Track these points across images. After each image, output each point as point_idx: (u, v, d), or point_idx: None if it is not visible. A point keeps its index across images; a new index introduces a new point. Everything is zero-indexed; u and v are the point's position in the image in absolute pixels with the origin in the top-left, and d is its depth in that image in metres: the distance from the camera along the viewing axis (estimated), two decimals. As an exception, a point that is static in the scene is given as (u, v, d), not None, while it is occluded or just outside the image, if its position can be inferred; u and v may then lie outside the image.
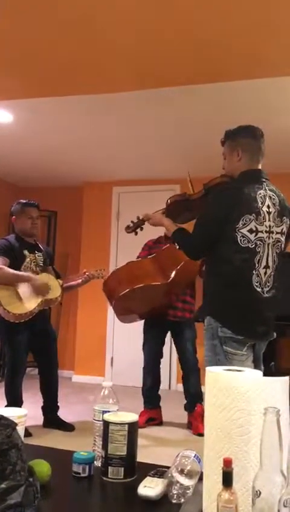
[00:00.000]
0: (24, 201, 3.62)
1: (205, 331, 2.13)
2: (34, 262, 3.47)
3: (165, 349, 4.01)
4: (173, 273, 3.29)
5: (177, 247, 2.34)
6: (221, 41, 2.74)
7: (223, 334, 2.04)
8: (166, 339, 3.90)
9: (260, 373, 0.98)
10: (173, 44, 2.79)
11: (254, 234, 2.03)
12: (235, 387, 0.92)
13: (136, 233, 2.70)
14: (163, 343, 3.86)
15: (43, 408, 3.56)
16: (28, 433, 2.93)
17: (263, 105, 3.62)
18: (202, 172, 4.94)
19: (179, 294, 3.64)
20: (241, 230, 2.02)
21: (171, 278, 3.28)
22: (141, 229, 2.68)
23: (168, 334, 3.88)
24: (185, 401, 3.74)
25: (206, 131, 4.21)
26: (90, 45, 2.84)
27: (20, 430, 1.14)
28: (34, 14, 2.57)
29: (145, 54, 2.91)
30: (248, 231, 2.03)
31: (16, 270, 3.33)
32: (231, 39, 2.72)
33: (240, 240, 2.02)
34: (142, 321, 3.86)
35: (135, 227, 2.67)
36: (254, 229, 2.03)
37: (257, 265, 2.04)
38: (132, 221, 2.69)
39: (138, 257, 3.79)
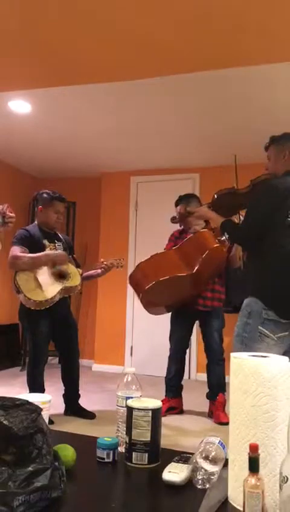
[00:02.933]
0: (52, 193, 3.55)
1: (242, 309, 2.21)
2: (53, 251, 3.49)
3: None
4: (198, 262, 3.26)
5: (227, 236, 2.44)
6: (244, 24, 2.69)
7: (267, 316, 2.11)
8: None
9: (286, 359, 0.97)
10: (194, 28, 2.75)
11: None
12: (261, 373, 0.91)
13: (180, 225, 3.03)
14: (191, 332, 3.86)
15: (64, 396, 3.60)
16: (50, 421, 2.96)
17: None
18: (222, 161, 4.90)
19: (208, 283, 3.62)
20: None
21: (196, 268, 3.25)
22: (186, 222, 2.98)
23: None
24: (206, 390, 3.74)
25: (226, 119, 4.16)
26: (109, 32, 2.82)
27: (45, 415, 1.15)
28: (51, 2, 2.56)
29: (164, 40, 2.88)
30: None
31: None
32: (254, 22, 2.67)
33: None
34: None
35: (180, 218, 2.93)
36: None
37: None
38: (179, 212, 2.94)
39: (165, 249, 3.77)
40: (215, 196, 2.57)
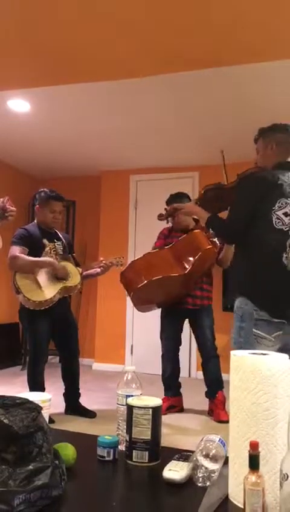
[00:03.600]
0: (50, 192, 3.54)
1: (235, 312, 2.17)
2: (53, 250, 3.49)
3: (185, 336, 4.01)
4: (191, 263, 3.27)
5: (212, 232, 2.38)
6: (241, 22, 2.69)
7: (259, 317, 2.07)
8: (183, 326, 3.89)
9: (285, 356, 0.97)
10: (193, 27, 2.75)
11: (288, 218, 2.10)
12: (261, 371, 0.91)
13: (167, 222, 2.83)
14: (181, 330, 3.86)
15: (64, 395, 3.60)
16: (50, 420, 2.96)
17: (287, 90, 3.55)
18: (220, 160, 4.88)
19: (197, 283, 3.63)
20: (277, 213, 2.10)
21: (189, 269, 3.27)
22: (173, 217, 2.78)
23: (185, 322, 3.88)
24: (205, 389, 3.74)
25: (226, 118, 4.16)
26: (108, 30, 2.81)
27: (46, 414, 1.15)
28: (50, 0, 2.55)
29: (163, 38, 2.87)
30: (283, 214, 2.10)
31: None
32: (251, 19, 2.66)
33: (275, 222, 2.09)
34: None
35: (167, 215, 2.79)
36: (289, 212, 2.10)
37: (288, 248, 2.08)
38: (165, 209, 2.82)
39: (154, 247, 3.77)
40: (202, 192, 2.51)
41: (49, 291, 3.29)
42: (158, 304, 3.73)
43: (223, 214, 2.35)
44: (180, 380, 3.84)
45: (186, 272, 3.26)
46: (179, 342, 3.85)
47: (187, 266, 3.27)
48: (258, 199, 2.13)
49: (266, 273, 2.10)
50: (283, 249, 2.07)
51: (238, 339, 2.12)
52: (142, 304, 3.50)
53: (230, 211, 2.28)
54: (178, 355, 3.84)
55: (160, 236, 3.87)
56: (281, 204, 2.10)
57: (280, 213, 2.09)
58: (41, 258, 3.37)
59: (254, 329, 2.07)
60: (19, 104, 4.04)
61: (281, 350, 2.12)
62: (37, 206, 3.59)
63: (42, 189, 3.61)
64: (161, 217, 2.83)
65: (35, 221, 3.61)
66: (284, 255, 2.07)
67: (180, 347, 3.87)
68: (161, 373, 3.85)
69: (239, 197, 2.26)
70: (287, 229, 2.08)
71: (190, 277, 3.35)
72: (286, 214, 2.09)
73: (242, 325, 2.11)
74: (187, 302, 3.65)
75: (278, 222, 2.09)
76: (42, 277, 3.32)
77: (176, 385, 3.80)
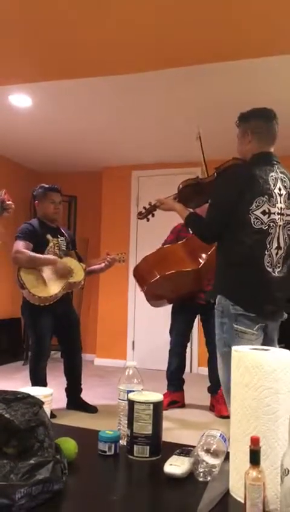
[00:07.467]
0: (46, 185, 3.61)
1: (216, 308, 2.16)
2: (57, 246, 3.50)
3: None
4: (204, 258, 3.28)
5: (191, 232, 2.33)
6: (241, 18, 2.67)
7: (235, 311, 2.07)
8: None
9: (287, 352, 0.97)
10: (193, 22, 2.73)
11: (267, 216, 2.05)
12: (262, 366, 0.91)
13: (148, 220, 2.67)
14: (191, 326, 3.87)
15: (66, 390, 3.61)
16: (52, 415, 2.97)
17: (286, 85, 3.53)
18: (222, 155, 4.88)
19: (210, 279, 3.63)
20: (254, 212, 2.05)
21: (202, 264, 3.27)
22: (153, 215, 2.64)
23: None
24: (207, 384, 3.74)
25: (228, 113, 4.13)
26: (109, 25, 2.80)
27: (47, 409, 1.15)
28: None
29: (165, 33, 2.86)
30: (261, 213, 2.05)
31: (39, 254, 3.35)
32: (252, 15, 2.65)
33: (254, 222, 2.05)
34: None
35: (147, 213, 2.65)
36: (267, 210, 2.06)
37: (268, 245, 2.07)
38: (144, 207, 2.66)
39: (165, 241, 3.77)
40: (180, 187, 2.44)
41: (54, 287, 3.30)
42: (170, 300, 3.72)
43: (205, 207, 2.29)
44: (181, 375, 3.85)
45: (199, 266, 3.26)
46: (187, 338, 3.86)
47: (201, 261, 3.27)
48: (234, 199, 2.06)
49: (243, 273, 2.09)
50: (264, 248, 2.05)
51: (221, 334, 2.12)
52: (155, 298, 3.50)
53: (207, 210, 2.22)
54: (185, 351, 3.84)
55: (173, 231, 3.87)
56: (258, 203, 2.04)
57: (257, 212, 2.04)
58: (45, 256, 3.37)
59: (234, 325, 2.06)
60: (21, 99, 4.03)
61: (264, 342, 2.12)
62: (36, 202, 3.63)
63: (38, 186, 3.65)
64: (140, 216, 2.67)
65: (37, 217, 3.63)
66: (267, 253, 2.05)
67: (188, 343, 3.87)
68: (162, 368, 3.86)
69: (215, 198, 2.21)
70: (266, 227, 2.05)
71: (203, 272, 3.34)
72: (264, 213, 2.04)
73: (223, 320, 2.11)
74: (199, 297, 3.65)
75: (257, 222, 2.04)
76: (47, 273, 3.33)
77: (179, 381, 3.81)
